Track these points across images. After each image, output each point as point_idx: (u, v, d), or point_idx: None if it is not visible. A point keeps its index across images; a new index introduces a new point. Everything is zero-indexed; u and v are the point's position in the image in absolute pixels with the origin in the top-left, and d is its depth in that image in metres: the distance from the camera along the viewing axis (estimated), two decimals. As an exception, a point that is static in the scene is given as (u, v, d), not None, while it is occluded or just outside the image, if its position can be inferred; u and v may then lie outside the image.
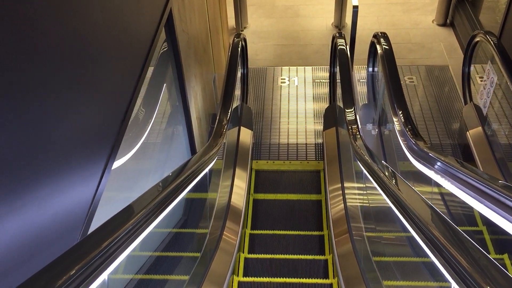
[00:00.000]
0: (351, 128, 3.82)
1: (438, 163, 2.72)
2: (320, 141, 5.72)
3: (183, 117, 4.35)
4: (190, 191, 3.38)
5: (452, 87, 6.44)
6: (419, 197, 2.23)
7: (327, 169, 5.00)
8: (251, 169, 5.31)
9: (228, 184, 4.51)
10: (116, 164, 2.83)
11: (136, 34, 2.94)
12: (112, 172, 2.55)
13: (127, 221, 1.66)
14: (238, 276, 3.76)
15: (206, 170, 3.39)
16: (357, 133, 3.71)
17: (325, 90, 6.56)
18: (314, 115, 6.14)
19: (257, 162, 5.49)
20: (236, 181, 4.57)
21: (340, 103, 5.61)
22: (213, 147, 3.52)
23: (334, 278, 3.62)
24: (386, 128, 5.29)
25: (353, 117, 3.99)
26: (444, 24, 7.87)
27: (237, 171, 4.73)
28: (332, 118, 5.54)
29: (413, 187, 2.39)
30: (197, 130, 4.75)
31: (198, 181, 3.30)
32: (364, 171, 3.22)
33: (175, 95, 4.24)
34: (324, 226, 4.50)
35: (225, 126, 4.03)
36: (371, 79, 5.91)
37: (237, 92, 5.76)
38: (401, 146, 5.26)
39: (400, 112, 3.98)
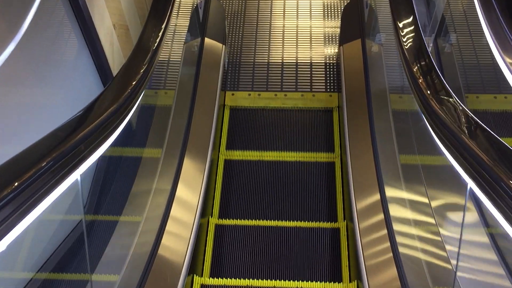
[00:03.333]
0: (418, 72, 1.67)
1: None
2: (333, 59, 3.61)
3: (75, 25, 2.23)
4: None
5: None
6: None
7: (348, 114, 2.98)
8: (221, 106, 3.29)
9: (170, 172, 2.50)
10: None
11: None
12: None
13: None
14: None
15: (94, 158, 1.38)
16: (437, 89, 1.57)
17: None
18: (325, 14, 3.95)
19: (233, 94, 3.44)
20: (184, 174, 2.53)
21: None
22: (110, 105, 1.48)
23: None
24: (448, 42, 3.18)
25: (418, 42, 1.84)
26: None
27: (189, 152, 2.68)
28: (355, 22, 3.40)
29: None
30: (115, 45, 2.64)
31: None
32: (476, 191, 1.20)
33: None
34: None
35: (154, 53, 1.90)
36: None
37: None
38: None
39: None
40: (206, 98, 3.15)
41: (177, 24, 3.29)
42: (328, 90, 3.45)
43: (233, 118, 3.30)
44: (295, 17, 3.97)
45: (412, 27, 1.90)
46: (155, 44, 1.90)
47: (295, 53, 3.66)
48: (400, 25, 1.90)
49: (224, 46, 3.39)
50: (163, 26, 2.19)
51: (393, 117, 2.89)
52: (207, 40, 3.29)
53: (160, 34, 2.09)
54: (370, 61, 3.19)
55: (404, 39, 1.82)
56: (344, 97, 3.16)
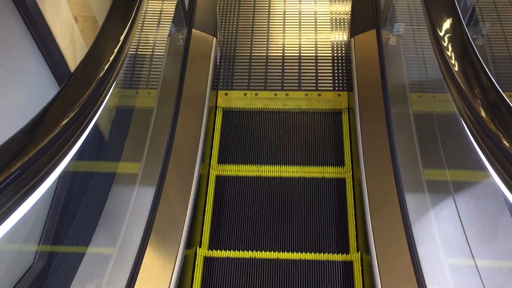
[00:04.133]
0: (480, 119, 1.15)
1: None
2: (342, 52, 3.13)
3: (19, 20, 1.75)
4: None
5: None
6: None
7: (361, 117, 2.52)
8: (212, 108, 2.83)
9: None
10: None
11: None
12: None
13: None
14: None
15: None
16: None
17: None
18: None
19: (226, 94, 2.97)
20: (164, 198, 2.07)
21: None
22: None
23: None
24: (479, 33, 2.70)
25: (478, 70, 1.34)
26: None
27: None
28: (369, 10, 2.90)
29: None
30: (78, 42, 2.16)
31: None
32: None
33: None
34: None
35: (113, 64, 1.43)
36: None
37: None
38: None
39: None
40: (193, 99, 2.69)
41: (159, 13, 2.81)
42: (337, 88, 2.98)
43: (227, 123, 2.84)
44: (298, 1, 3.47)
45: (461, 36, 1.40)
46: (115, 50, 1.42)
47: (297, 45, 3.17)
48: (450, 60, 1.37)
49: (215, 38, 2.89)
50: (131, 15, 1.72)
51: (415, 120, 2.47)
52: (194, 31, 2.80)
53: (126, 30, 1.62)
54: (386, 56, 2.71)
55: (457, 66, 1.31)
56: (357, 97, 2.69)
